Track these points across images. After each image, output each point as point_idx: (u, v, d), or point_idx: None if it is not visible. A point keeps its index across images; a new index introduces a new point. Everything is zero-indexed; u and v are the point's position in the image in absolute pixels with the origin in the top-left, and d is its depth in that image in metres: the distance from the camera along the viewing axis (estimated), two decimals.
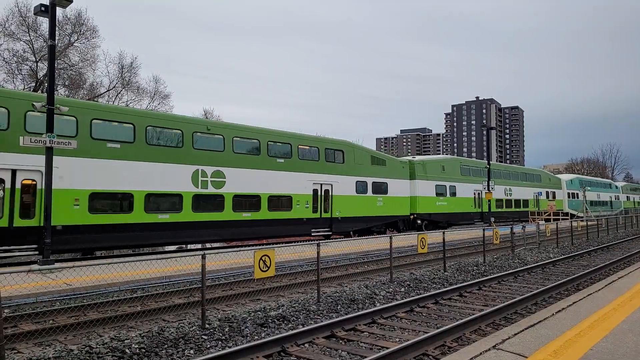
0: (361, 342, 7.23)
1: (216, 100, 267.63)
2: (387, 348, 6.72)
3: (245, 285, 12.04)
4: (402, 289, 11.46)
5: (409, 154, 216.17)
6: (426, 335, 6.99)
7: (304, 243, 11.82)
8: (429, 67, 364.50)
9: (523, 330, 5.87)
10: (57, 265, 12.17)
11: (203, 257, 8.10)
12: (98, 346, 6.60)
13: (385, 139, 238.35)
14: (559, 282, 11.79)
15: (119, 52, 64.02)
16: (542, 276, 13.79)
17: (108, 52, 69.93)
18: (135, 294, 10.90)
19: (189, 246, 22.28)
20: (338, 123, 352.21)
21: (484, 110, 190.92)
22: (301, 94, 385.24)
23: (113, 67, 49.24)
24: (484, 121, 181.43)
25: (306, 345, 7.06)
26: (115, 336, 7.16)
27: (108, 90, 40.38)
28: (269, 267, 8.96)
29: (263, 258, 8.89)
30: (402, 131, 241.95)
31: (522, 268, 14.44)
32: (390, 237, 12.56)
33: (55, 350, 6.42)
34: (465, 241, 23.93)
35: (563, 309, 7.19)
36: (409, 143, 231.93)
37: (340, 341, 7.34)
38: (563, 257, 17.55)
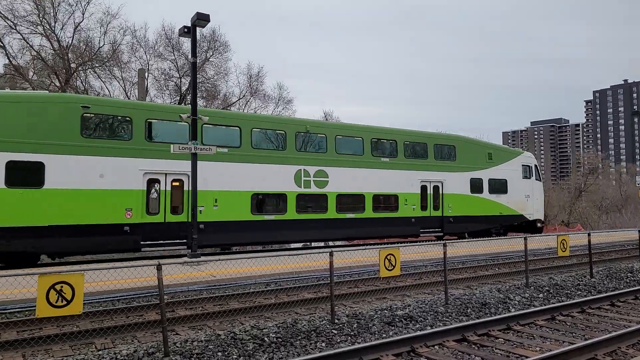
0: (496, 349, 6.84)
1: (328, 100, 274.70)
2: (527, 357, 6.27)
3: (370, 284, 12.16)
4: (540, 295, 10.57)
5: (542, 148, 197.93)
6: (573, 346, 6.36)
7: (429, 243, 11.55)
8: (562, 48, 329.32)
9: None
10: (202, 258, 13.60)
11: (330, 254, 8.38)
12: (241, 333, 7.24)
13: (513, 132, 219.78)
14: None
15: (248, 62, 69.33)
16: None
17: (238, 64, 76.15)
18: (268, 287, 11.69)
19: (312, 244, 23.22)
20: (457, 117, 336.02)
21: (635, 95, 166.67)
22: (416, 88, 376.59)
23: (242, 77, 53.31)
24: (635, 107, 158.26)
25: (436, 347, 6.91)
26: (254, 325, 7.77)
27: (238, 99, 43.88)
28: (394, 266, 8.94)
29: (388, 257, 8.90)
30: (532, 123, 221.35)
31: None
32: (525, 239, 11.66)
33: (206, 334, 7.20)
34: (614, 244, 21.22)
35: None
36: (542, 136, 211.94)
37: (473, 346, 7.03)
38: None
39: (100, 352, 6.54)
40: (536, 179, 26.65)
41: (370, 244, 22.51)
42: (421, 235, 22.12)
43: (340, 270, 13.42)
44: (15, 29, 28.99)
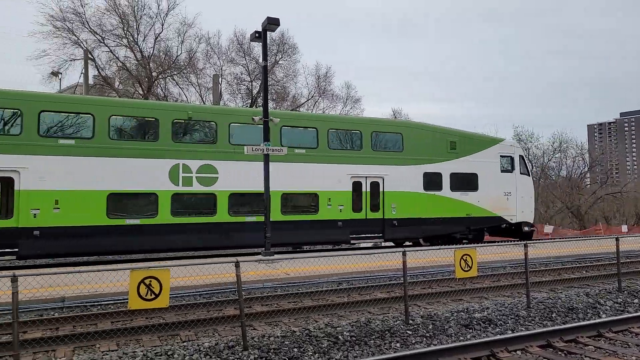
0: (585, 356, 6.39)
1: (404, 100, 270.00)
2: None
3: (444, 284, 11.85)
4: (635, 300, 9.71)
5: (634, 141, 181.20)
6: None
7: (508, 243, 11.03)
8: None
9: None
10: (276, 257, 13.98)
11: (404, 254, 8.27)
12: (315, 330, 7.36)
13: (600, 124, 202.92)
14: None
15: (316, 63, 70.05)
16: None
17: (306, 65, 77.22)
18: (340, 286, 11.76)
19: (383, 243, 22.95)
20: (532, 113, 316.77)
21: None
22: (497, 85, 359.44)
23: (311, 78, 54.14)
24: None
25: (518, 352, 6.58)
26: (328, 323, 7.86)
27: (307, 100, 44.54)
28: (470, 267, 8.63)
29: (464, 257, 8.61)
30: (622, 114, 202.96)
31: None
32: (617, 239, 10.78)
33: (282, 330, 7.40)
34: None
35: None
36: (633, 128, 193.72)
37: (559, 352, 6.62)
38: None
39: (185, 344, 6.94)
40: (522, 173, 21.92)
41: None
42: (353, 242, 18.87)
43: (414, 270, 13.18)
44: (103, 42, 31.71)
